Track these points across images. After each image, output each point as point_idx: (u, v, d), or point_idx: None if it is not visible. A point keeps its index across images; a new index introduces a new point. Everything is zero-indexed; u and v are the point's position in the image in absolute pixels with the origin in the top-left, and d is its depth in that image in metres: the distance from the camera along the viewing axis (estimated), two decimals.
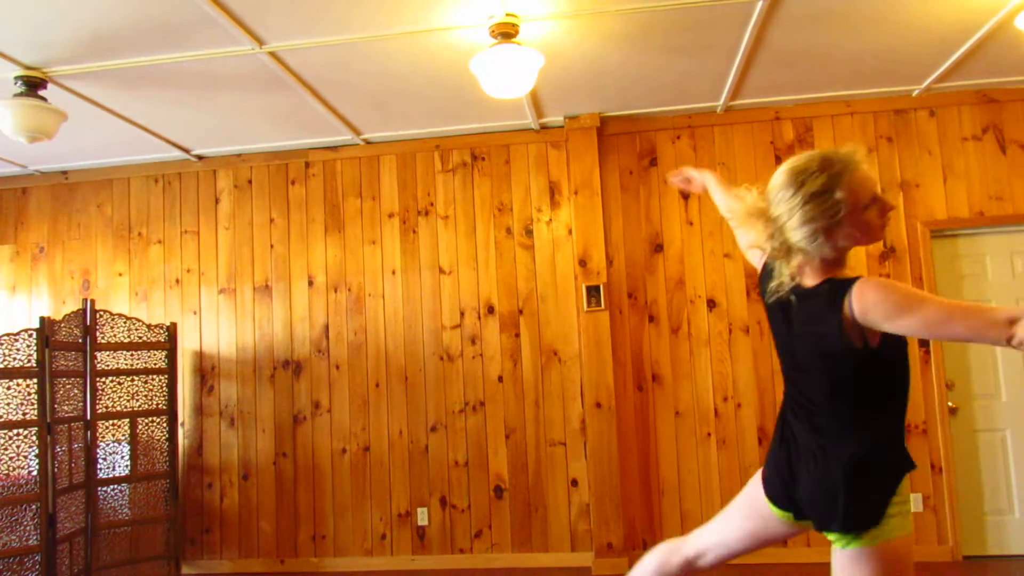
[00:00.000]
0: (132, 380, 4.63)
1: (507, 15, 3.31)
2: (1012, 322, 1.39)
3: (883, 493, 1.65)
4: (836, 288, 1.60)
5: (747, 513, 1.95)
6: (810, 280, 1.69)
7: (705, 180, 2.39)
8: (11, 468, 4.03)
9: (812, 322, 1.66)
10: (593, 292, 4.68)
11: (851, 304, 1.55)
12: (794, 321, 1.71)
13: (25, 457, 4.05)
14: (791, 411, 1.81)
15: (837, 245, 1.66)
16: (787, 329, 1.76)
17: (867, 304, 1.53)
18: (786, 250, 1.68)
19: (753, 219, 1.73)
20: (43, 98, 3.71)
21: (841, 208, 1.61)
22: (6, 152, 4.90)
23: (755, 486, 1.94)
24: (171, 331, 4.83)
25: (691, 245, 4.77)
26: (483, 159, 5.01)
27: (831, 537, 1.72)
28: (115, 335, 4.58)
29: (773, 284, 1.73)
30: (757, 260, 1.97)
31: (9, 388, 4.05)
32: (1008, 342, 1.39)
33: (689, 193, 2.29)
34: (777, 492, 1.83)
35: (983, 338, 1.41)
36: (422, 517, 4.81)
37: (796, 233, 1.64)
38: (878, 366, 1.65)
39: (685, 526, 4.59)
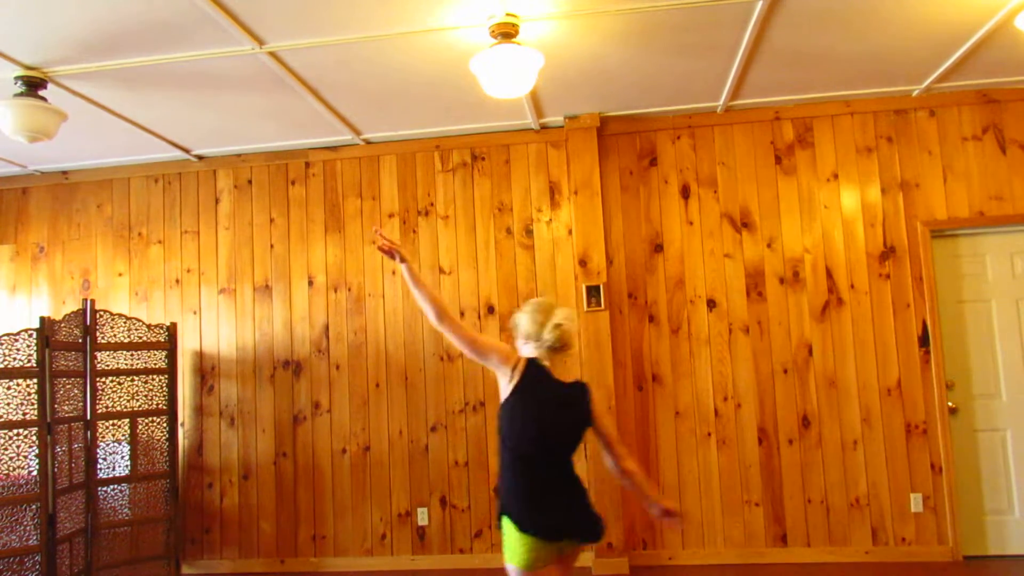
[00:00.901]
0: (132, 380, 4.63)
1: (507, 15, 3.31)
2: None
3: None
4: (582, 383, 2.51)
5: None
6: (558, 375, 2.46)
7: (402, 266, 2.62)
8: (11, 468, 4.03)
9: (583, 403, 2.46)
10: (593, 292, 4.68)
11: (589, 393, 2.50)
12: (579, 403, 2.46)
13: (25, 457, 4.05)
14: (546, 470, 2.40)
15: None
16: (559, 410, 2.40)
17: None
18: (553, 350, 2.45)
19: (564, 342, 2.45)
20: (43, 98, 3.71)
21: None
22: (6, 152, 4.91)
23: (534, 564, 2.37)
24: (171, 331, 4.83)
25: (691, 245, 4.77)
26: (483, 159, 5.01)
27: (574, 546, 2.43)
28: (115, 335, 4.58)
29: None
30: (505, 368, 2.45)
31: (9, 388, 4.05)
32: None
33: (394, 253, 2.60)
34: (559, 529, 2.37)
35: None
36: (422, 517, 4.82)
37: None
38: None
39: (685, 526, 4.60)
